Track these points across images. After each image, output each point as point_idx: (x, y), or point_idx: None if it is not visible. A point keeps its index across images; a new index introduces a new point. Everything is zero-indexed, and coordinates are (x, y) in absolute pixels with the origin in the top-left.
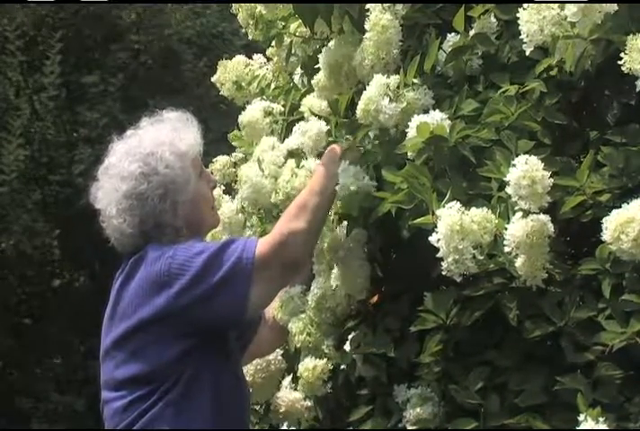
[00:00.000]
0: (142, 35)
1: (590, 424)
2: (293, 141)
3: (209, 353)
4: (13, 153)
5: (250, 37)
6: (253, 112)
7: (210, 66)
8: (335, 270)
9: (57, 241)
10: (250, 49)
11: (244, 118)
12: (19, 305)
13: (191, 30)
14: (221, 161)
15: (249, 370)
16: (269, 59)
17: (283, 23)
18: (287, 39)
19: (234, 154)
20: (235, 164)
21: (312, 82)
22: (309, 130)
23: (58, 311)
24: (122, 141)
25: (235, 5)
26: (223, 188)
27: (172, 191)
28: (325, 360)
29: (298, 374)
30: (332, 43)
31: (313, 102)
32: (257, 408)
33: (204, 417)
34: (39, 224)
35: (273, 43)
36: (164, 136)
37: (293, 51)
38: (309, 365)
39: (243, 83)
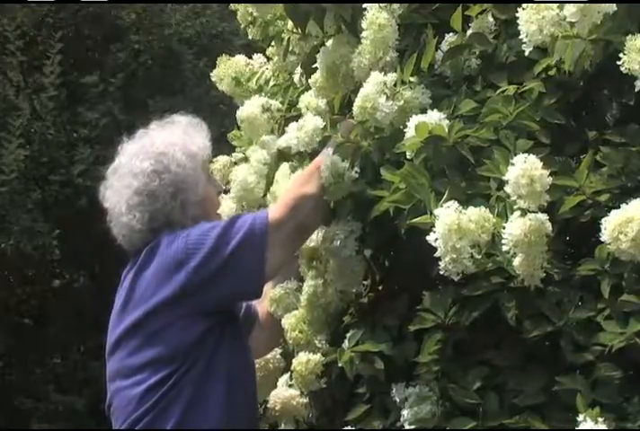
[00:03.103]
0: (142, 35)
1: (589, 424)
2: (284, 140)
3: (225, 335)
4: (13, 153)
5: (250, 36)
6: (251, 108)
7: (210, 66)
8: (330, 265)
9: (57, 241)
10: (250, 49)
11: (241, 114)
12: (19, 305)
13: (190, 30)
14: (221, 161)
15: None
16: (269, 59)
17: (282, 22)
18: (285, 37)
19: (234, 154)
20: (235, 164)
21: (310, 81)
22: (305, 126)
23: (58, 311)
24: (133, 141)
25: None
26: (223, 187)
27: (182, 190)
28: (319, 355)
29: (292, 369)
30: (329, 43)
31: (310, 100)
32: None
33: (218, 399)
34: (39, 224)
35: (273, 43)
36: (176, 137)
37: (291, 49)
38: (303, 359)
39: (242, 80)
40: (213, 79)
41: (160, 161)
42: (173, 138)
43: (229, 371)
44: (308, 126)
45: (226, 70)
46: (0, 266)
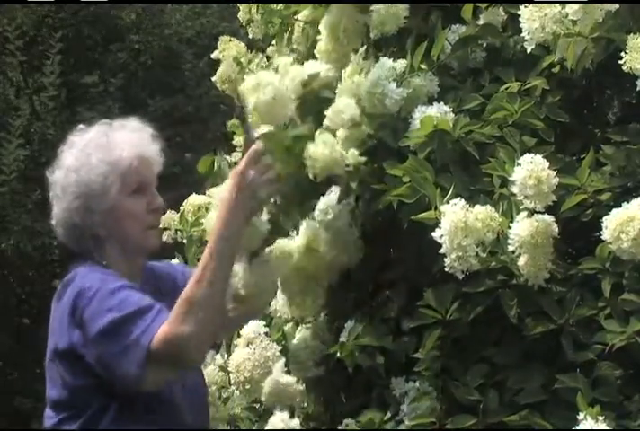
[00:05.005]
0: (142, 35)
1: (589, 423)
2: (314, 67)
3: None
4: (13, 154)
5: (250, 35)
6: (249, 84)
7: (210, 66)
8: (324, 235)
9: (57, 241)
10: (250, 50)
11: (241, 88)
12: (19, 305)
13: (191, 31)
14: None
15: (246, 366)
16: (269, 58)
17: (281, 20)
18: (287, 33)
19: (234, 154)
20: (232, 166)
21: (315, 50)
22: (342, 112)
23: None
24: (83, 130)
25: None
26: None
27: (84, 195)
28: (318, 341)
29: (290, 355)
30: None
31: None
32: (257, 406)
33: None
34: (39, 224)
35: (274, 42)
36: (107, 139)
37: (294, 48)
38: (301, 345)
39: (242, 61)
40: (214, 56)
41: (78, 159)
42: (102, 139)
43: (148, 420)
44: (345, 113)
45: (227, 51)
46: (0, 266)
